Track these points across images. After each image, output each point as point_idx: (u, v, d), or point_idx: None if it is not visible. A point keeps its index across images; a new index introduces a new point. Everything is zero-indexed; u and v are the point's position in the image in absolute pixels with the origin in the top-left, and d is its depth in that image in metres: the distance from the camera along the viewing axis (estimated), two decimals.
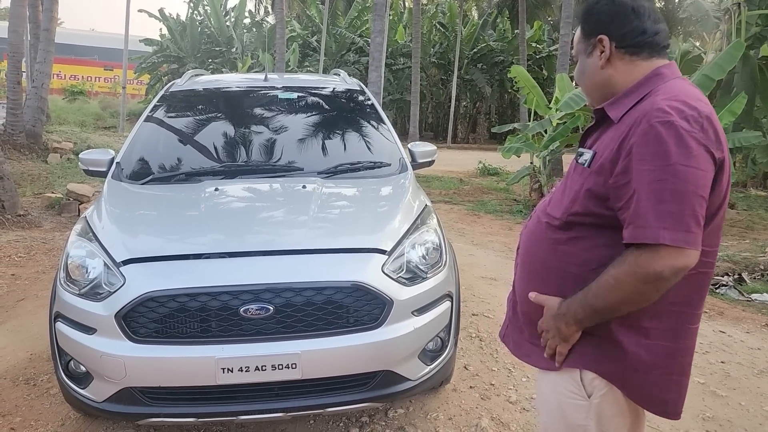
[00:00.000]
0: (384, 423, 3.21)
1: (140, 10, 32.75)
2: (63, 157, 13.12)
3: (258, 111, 4.51)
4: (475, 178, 15.34)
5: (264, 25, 32.12)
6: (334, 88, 4.94)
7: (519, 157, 11.33)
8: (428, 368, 2.88)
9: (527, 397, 3.50)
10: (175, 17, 33.27)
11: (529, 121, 11.83)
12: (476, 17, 33.23)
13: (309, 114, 4.53)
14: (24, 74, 18.17)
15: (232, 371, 2.50)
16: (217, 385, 2.53)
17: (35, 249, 6.75)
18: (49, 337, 2.88)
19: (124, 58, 23.74)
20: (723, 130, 1.53)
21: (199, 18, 32.83)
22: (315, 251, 2.80)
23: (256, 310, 2.53)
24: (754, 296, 5.80)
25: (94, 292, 2.66)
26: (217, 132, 4.20)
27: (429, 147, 4.32)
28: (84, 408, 2.75)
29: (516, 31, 27.15)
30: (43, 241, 7.14)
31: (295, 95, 4.64)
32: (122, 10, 21.90)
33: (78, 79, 36.07)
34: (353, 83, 4.95)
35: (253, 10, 39.20)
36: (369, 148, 4.22)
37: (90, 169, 3.85)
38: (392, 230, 3.01)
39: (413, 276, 2.85)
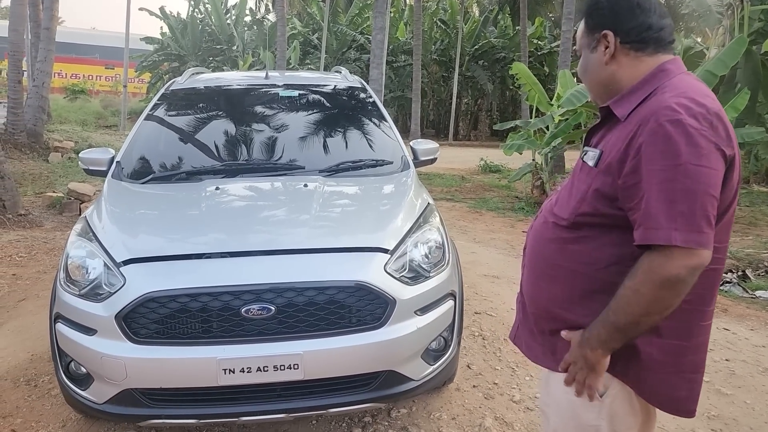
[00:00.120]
0: (387, 423, 3.18)
1: (141, 9, 32.75)
2: (64, 156, 13.10)
3: (259, 109, 4.49)
4: (477, 176, 15.31)
5: (265, 23, 32.06)
6: (335, 86, 4.91)
7: (521, 154, 11.30)
8: (431, 368, 2.85)
9: (531, 397, 3.48)
10: (175, 15, 33.29)
11: (531, 118, 11.79)
12: (477, 14, 33.15)
13: (310, 112, 4.50)
14: (25, 73, 18.19)
15: (233, 372, 2.48)
16: (218, 386, 2.51)
17: (36, 248, 6.73)
18: (50, 339, 2.86)
19: (125, 57, 23.73)
20: (732, 126, 1.50)
21: (199, 16, 32.85)
22: (317, 251, 2.77)
23: (258, 310, 2.51)
24: (758, 293, 5.77)
25: (94, 293, 2.64)
26: (217, 130, 4.18)
27: (431, 144, 4.29)
28: (85, 409, 2.73)
29: (517, 28, 27.08)
30: (44, 240, 7.12)
31: (296, 93, 4.62)
32: (123, 8, 21.92)
33: (79, 77, 36.15)
34: (354, 80, 4.92)
35: (254, 8, 39.18)
36: (371, 146, 4.20)
37: (90, 168, 3.83)
38: (395, 229, 2.98)
39: (416, 275, 2.82)
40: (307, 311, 2.55)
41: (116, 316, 2.51)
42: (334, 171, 3.72)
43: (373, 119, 4.43)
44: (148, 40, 32.16)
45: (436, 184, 13.18)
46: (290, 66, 24.53)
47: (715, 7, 11.00)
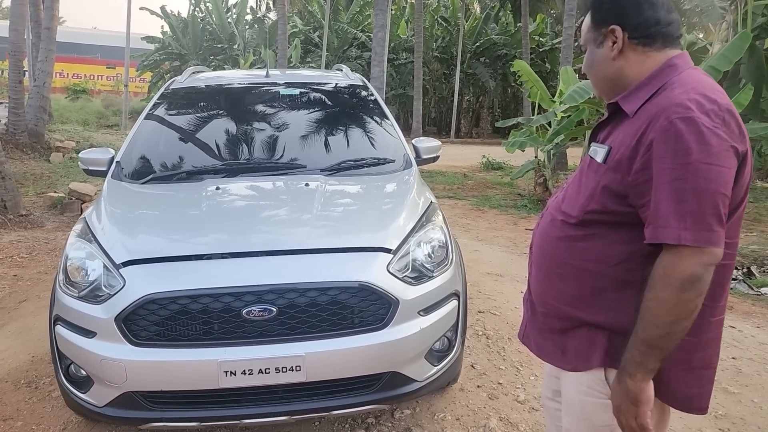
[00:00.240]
0: (390, 424, 3.16)
1: (142, 8, 32.74)
2: (65, 156, 13.09)
3: (260, 108, 4.46)
4: (479, 173, 15.27)
5: (266, 22, 32.02)
6: (336, 84, 4.88)
7: (523, 151, 11.25)
8: (435, 369, 2.82)
9: (536, 396, 3.45)
10: (176, 14, 33.26)
11: (533, 115, 11.75)
12: (478, 11, 33.09)
13: (311, 110, 4.46)
14: (26, 73, 18.18)
15: (235, 374, 2.45)
16: (220, 388, 2.48)
17: (37, 249, 6.71)
18: (49, 341, 2.83)
19: (125, 56, 23.69)
20: (742, 122, 1.48)
21: (200, 15, 32.82)
22: (318, 251, 2.74)
23: (259, 311, 2.48)
24: (763, 290, 5.74)
25: (93, 295, 2.61)
26: (218, 129, 4.14)
27: (433, 142, 4.25)
28: (85, 413, 2.70)
29: (519, 25, 27.01)
30: (45, 241, 7.10)
31: (297, 91, 4.58)
32: (124, 8, 21.86)
33: (80, 77, 36.10)
34: (356, 78, 4.89)
35: (255, 7, 39.18)
36: (372, 145, 4.16)
37: (90, 168, 3.80)
38: (397, 228, 2.94)
39: (419, 275, 2.79)
40: (309, 312, 2.52)
41: (116, 318, 2.48)
42: (335, 170, 3.68)
43: (374, 117, 4.39)
44: (149, 39, 32.14)
45: (438, 182, 13.14)
46: (291, 64, 24.51)
47: (718, 2, 10.95)
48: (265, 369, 2.46)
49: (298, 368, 2.48)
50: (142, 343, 2.48)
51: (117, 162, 3.75)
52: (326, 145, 4.10)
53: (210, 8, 32.12)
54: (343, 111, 4.63)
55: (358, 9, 29.94)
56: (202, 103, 4.54)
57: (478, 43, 29.64)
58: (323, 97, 4.71)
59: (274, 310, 2.48)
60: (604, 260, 1.57)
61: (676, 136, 1.39)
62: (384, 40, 13.29)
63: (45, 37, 13.69)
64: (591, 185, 1.59)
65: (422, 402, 3.34)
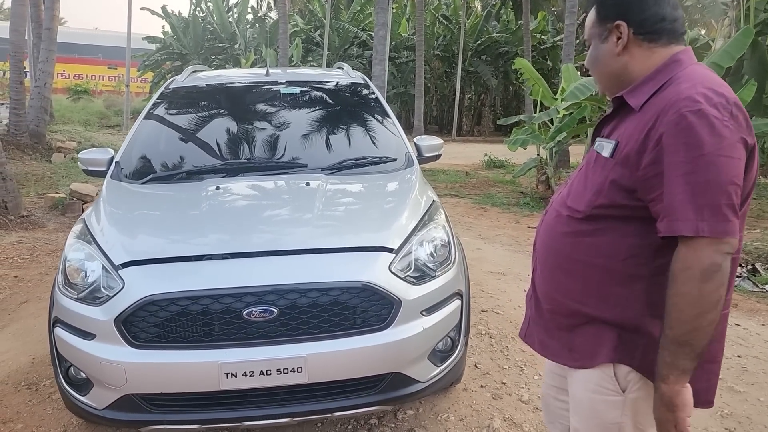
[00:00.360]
0: (393, 425, 3.13)
1: (143, 8, 32.72)
2: (67, 157, 13.06)
3: (260, 107, 4.43)
4: (481, 171, 15.22)
5: (267, 21, 32.01)
6: (337, 82, 4.85)
7: (525, 149, 11.21)
8: (438, 369, 2.79)
9: (540, 396, 3.41)
10: (177, 14, 33.25)
11: (535, 113, 11.71)
12: (479, 9, 32.99)
13: (312, 109, 4.43)
14: (27, 74, 18.17)
15: (236, 376, 2.42)
16: (220, 390, 2.45)
17: (38, 250, 6.69)
18: (49, 343, 2.81)
19: (126, 56, 23.66)
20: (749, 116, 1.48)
21: (201, 14, 32.79)
22: (319, 251, 2.71)
23: (260, 312, 2.45)
24: None
25: (92, 297, 2.58)
26: (218, 129, 4.12)
27: (435, 141, 4.22)
28: (85, 415, 2.68)
29: (520, 22, 26.93)
30: (46, 241, 7.08)
31: (297, 90, 4.55)
32: (125, 8, 21.84)
33: (82, 78, 36.09)
34: (357, 77, 4.85)
35: (256, 6, 39.15)
36: (374, 143, 4.13)
37: (89, 168, 3.77)
38: (399, 227, 2.92)
39: (422, 274, 2.76)
40: (310, 313, 2.49)
41: (115, 320, 2.45)
42: (336, 169, 3.65)
43: (375, 116, 4.36)
44: (150, 39, 32.13)
45: (440, 181, 13.11)
46: (292, 63, 24.48)
47: None
48: (267, 371, 2.44)
49: (299, 369, 2.45)
50: (142, 345, 2.45)
51: (116, 162, 3.73)
52: (327, 143, 4.07)
53: (211, 8, 32.09)
54: (344, 109, 4.60)
55: (359, 7, 29.88)
56: (201, 103, 4.52)
57: (479, 41, 29.56)
58: (324, 95, 4.68)
59: (275, 311, 2.46)
60: (611, 255, 1.56)
61: (687, 128, 1.39)
62: (385, 39, 13.26)
63: (46, 37, 13.67)
64: (598, 180, 1.58)
65: (425, 402, 3.31)
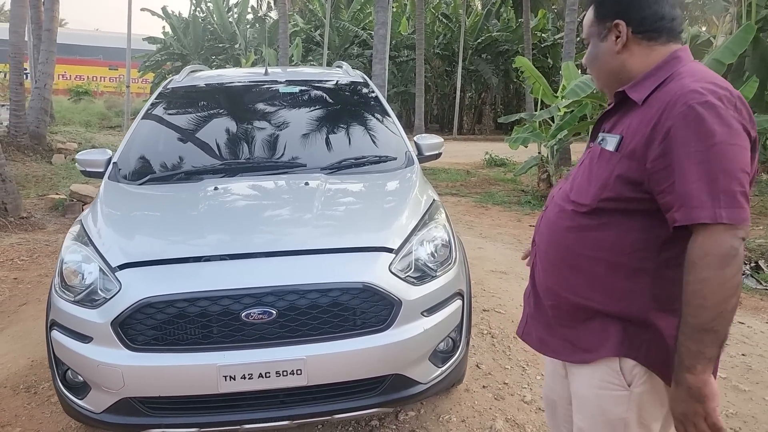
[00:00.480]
0: (395, 426, 3.10)
1: (143, 9, 32.76)
2: (67, 158, 13.04)
3: (259, 106, 4.40)
4: (482, 170, 15.19)
5: (267, 21, 31.99)
6: (336, 81, 4.81)
7: (526, 147, 11.19)
8: (440, 370, 2.76)
9: (542, 397, 3.38)
10: (177, 15, 33.25)
11: (536, 111, 11.68)
12: (479, 7, 32.95)
13: (311, 108, 4.40)
14: (28, 75, 18.15)
15: (234, 379, 2.39)
16: (219, 393, 2.42)
17: (38, 252, 6.67)
18: (46, 347, 2.78)
19: (127, 57, 23.63)
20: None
21: (201, 15, 32.83)
22: (318, 251, 2.68)
23: (259, 314, 2.42)
24: None
25: (89, 299, 2.55)
26: (216, 129, 4.09)
27: (436, 139, 4.19)
28: (83, 419, 2.64)
29: (520, 20, 26.90)
30: (46, 243, 7.06)
31: (296, 89, 4.52)
32: (126, 9, 21.79)
33: (83, 79, 36.08)
34: (356, 75, 4.82)
35: (256, 6, 39.13)
36: (374, 142, 4.10)
37: (87, 170, 3.74)
38: (399, 227, 2.88)
39: (422, 275, 2.73)
40: (309, 314, 2.46)
41: (112, 323, 2.42)
42: (336, 168, 3.62)
43: (375, 114, 4.33)
44: (151, 40, 32.15)
45: (441, 179, 13.07)
46: (293, 63, 24.44)
47: None
48: (266, 373, 2.40)
49: (299, 372, 2.42)
50: (140, 347, 2.42)
51: (114, 163, 3.70)
52: (327, 143, 4.04)
53: (211, 8, 32.12)
54: (343, 108, 4.57)
55: (359, 7, 29.87)
56: (200, 102, 4.49)
57: (479, 40, 29.52)
58: (323, 94, 4.65)
59: (274, 312, 2.43)
60: (617, 249, 1.57)
61: (697, 120, 1.41)
62: (385, 38, 13.24)
63: (45, 38, 13.67)
64: (604, 174, 1.58)
65: (427, 403, 3.28)
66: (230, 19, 32.04)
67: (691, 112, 1.41)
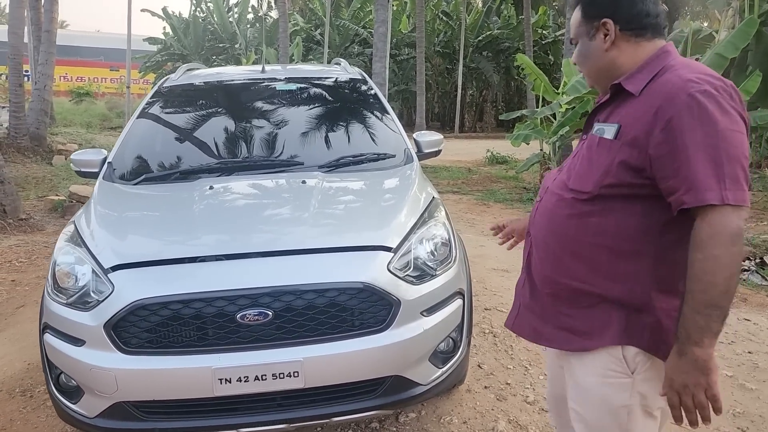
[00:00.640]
0: (395, 429, 3.05)
1: (143, 10, 32.73)
2: (67, 159, 12.97)
3: (256, 104, 4.34)
4: (484, 167, 15.14)
5: (267, 20, 31.96)
6: (334, 78, 4.76)
7: (528, 144, 11.14)
8: (440, 371, 2.70)
9: (546, 397, 3.33)
10: (178, 15, 33.23)
11: (537, 108, 11.62)
12: (480, 5, 32.86)
13: (309, 106, 4.34)
14: (28, 77, 18.13)
15: (230, 382, 2.34)
16: (214, 396, 2.37)
17: (36, 253, 6.63)
18: (40, 350, 2.73)
19: (127, 58, 23.60)
20: None
21: (202, 15, 32.81)
22: (315, 251, 2.62)
23: (255, 315, 2.37)
24: None
25: (82, 301, 2.50)
26: (212, 127, 4.03)
27: (435, 136, 4.13)
28: (76, 424, 2.59)
29: (521, 18, 26.85)
30: (45, 245, 7.01)
31: (294, 86, 4.47)
32: (126, 10, 21.69)
33: (84, 80, 36.08)
34: (355, 72, 4.76)
35: (256, 5, 39.08)
36: (372, 139, 4.04)
37: (82, 170, 3.70)
38: (398, 225, 2.83)
39: (421, 274, 2.67)
40: (306, 315, 2.41)
41: (105, 326, 2.37)
42: (333, 166, 3.56)
43: (374, 111, 4.27)
44: (151, 40, 32.13)
45: (443, 177, 13.02)
46: (293, 62, 24.41)
47: None
48: (262, 375, 2.35)
49: (296, 374, 2.37)
50: (133, 350, 2.37)
51: (109, 163, 3.65)
52: (324, 141, 3.98)
53: (211, 8, 32.10)
54: (341, 106, 4.51)
55: (359, 5, 29.80)
56: (196, 101, 4.43)
57: (480, 37, 29.45)
58: (321, 92, 4.60)
59: (270, 313, 2.38)
60: (620, 233, 1.60)
61: (699, 107, 1.46)
62: (385, 36, 13.20)
63: (45, 40, 13.63)
64: (605, 162, 1.62)
65: (428, 405, 3.23)
66: (230, 19, 32.03)
67: (693, 100, 1.47)
